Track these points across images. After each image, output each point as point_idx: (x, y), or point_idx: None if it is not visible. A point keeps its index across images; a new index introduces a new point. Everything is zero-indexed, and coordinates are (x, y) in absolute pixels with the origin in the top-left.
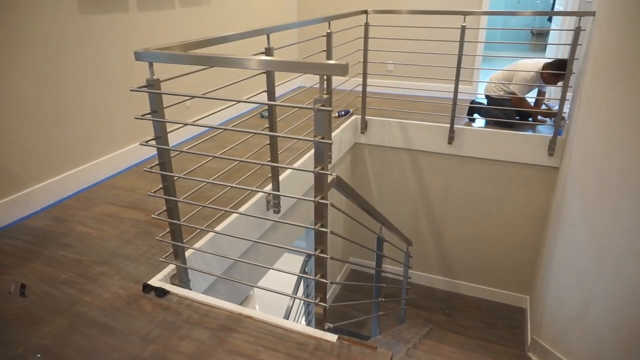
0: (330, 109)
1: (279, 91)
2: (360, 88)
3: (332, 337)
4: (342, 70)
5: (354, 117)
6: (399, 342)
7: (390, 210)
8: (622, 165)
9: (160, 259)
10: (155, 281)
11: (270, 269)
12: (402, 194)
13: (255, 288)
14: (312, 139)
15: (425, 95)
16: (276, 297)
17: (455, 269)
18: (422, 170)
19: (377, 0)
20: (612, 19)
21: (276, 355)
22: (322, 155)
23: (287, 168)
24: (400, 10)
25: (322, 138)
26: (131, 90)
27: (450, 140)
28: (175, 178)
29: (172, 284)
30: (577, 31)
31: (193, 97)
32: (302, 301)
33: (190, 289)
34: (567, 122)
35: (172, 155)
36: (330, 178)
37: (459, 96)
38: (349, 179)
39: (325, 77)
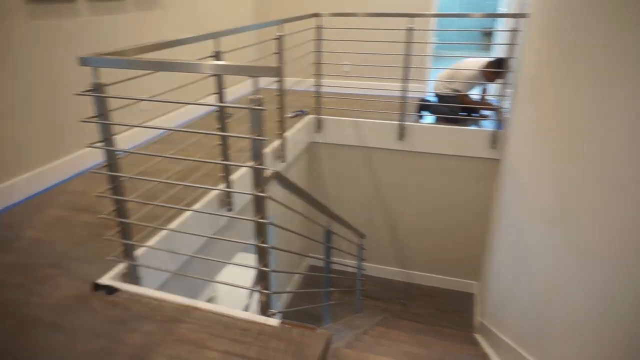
0: (263, 108)
1: (241, 91)
2: (317, 88)
3: (275, 322)
4: (273, 72)
5: (309, 116)
6: (348, 329)
7: (347, 206)
8: (543, 158)
9: (109, 257)
10: (105, 280)
11: (222, 262)
12: (358, 189)
13: (217, 291)
14: (249, 136)
15: (378, 95)
16: (239, 296)
17: (410, 260)
18: (376, 166)
19: (335, 2)
20: (541, 20)
21: (221, 342)
22: (258, 151)
23: (225, 164)
24: (351, 12)
25: (258, 135)
26: (74, 95)
27: (401, 136)
28: (122, 179)
29: (123, 282)
30: (514, 32)
31: (138, 100)
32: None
33: (142, 286)
34: (508, 117)
35: (119, 157)
36: (268, 172)
37: (412, 95)
38: (305, 177)
39: (259, 78)
